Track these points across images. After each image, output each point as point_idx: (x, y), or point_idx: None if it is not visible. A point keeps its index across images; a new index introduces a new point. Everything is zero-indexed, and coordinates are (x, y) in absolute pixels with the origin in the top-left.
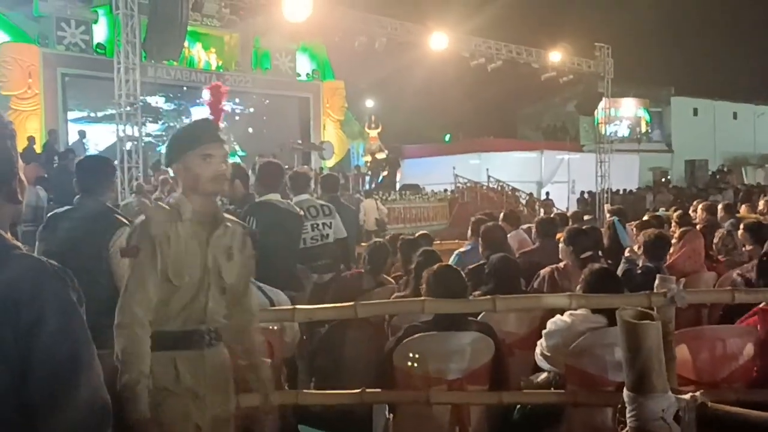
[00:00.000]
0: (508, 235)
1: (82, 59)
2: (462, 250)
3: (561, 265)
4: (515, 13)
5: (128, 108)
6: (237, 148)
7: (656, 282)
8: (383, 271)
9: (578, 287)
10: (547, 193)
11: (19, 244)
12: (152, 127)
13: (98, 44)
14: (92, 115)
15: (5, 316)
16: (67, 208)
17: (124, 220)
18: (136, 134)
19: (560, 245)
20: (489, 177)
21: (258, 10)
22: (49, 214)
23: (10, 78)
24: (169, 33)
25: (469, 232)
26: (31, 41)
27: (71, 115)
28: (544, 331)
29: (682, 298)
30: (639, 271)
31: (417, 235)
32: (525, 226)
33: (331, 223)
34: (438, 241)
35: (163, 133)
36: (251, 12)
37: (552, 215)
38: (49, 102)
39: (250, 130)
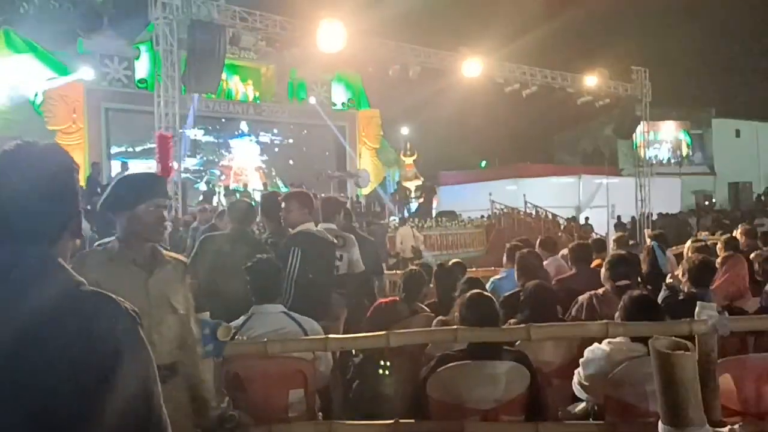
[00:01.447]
0: (545, 262)
1: (124, 94)
2: (497, 277)
3: (600, 291)
4: (549, 38)
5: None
6: (279, 183)
7: (697, 309)
8: (418, 299)
9: (617, 315)
10: (586, 218)
11: (84, 280)
12: (191, 162)
13: (140, 79)
14: (130, 150)
15: (82, 352)
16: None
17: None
18: (175, 166)
19: (601, 271)
20: (526, 203)
21: (293, 43)
22: (95, 244)
23: (56, 114)
24: (207, 66)
25: (505, 258)
26: (77, 78)
27: (113, 149)
28: (581, 360)
29: (724, 326)
30: (681, 298)
31: (451, 263)
32: (562, 252)
33: (341, 255)
34: (474, 269)
35: (202, 168)
36: (286, 44)
37: (589, 240)
38: (92, 136)
39: (291, 162)
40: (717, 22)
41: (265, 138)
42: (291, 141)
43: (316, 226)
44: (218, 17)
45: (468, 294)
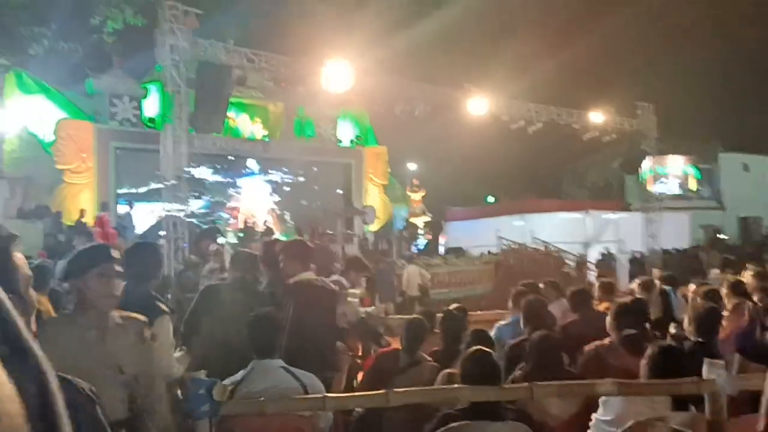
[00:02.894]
0: (551, 305)
1: (132, 133)
2: (503, 323)
3: (606, 341)
4: (554, 75)
5: (174, 181)
6: (289, 221)
7: (704, 367)
8: (420, 348)
9: (642, 363)
10: (607, 253)
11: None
12: (196, 204)
13: (149, 118)
14: (135, 191)
15: None
16: None
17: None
18: (182, 206)
19: (607, 319)
20: (534, 238)
21: (300, 82)
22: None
23: (65, 153)
24: (214, 106)
25: (510, 303)
26: (85, 117)
27: (121, 187)
28: (601, 400)
29: (732, 387)
30: (687, 349)
31: (453, 307)
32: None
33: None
34: (479, 312)
35: (208, 211)
36: (293, 83)
37: (607, 281)
38: (101, 175)
39: (304, 202)
40: (723, 57)
41: (275, 176)
42: (302, 179)
43: (318, 274)
44: (225, 58)
45: (471, 350)
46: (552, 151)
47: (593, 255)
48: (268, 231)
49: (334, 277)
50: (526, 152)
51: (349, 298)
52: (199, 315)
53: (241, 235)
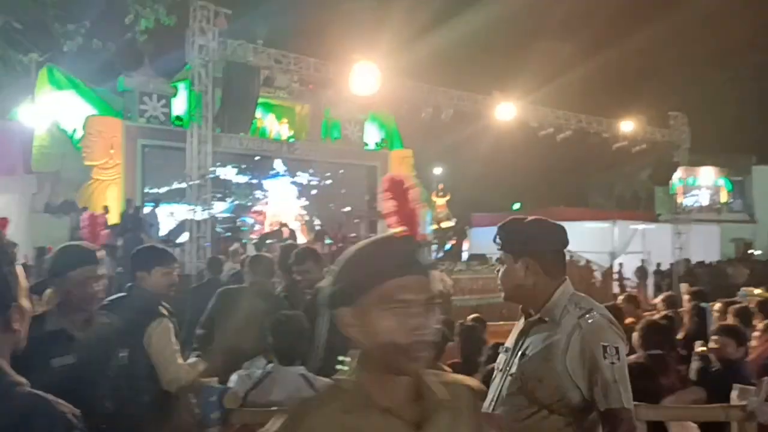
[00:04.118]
0: None
1: (160, 131)
2: None
3: (631, 359)
4: (584, 82)
5: (199, 180)
6: (318, 227)
7: (733, 393)
8: (439, 359)
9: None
10: (620, 265)
11: (23, 380)
12: (220, 206)
13: (177, 116)
14: (159, 191)
15: None
16: (120, 296)
17: (164, 311)
18: (206, 207)
19: (633, 336)
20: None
21: (327, 84)
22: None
23: (94, 149)
24: (241, 107)
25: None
26: (115, 114)
27: (148, 183)
28: None
29: (764, 413)
30: (715, 370)
31: (471, 318)
32: None
33: None
34: (500, 322)
35: (232, 215)
36: (321, 85)
37: (632, 294)
38: (128, 172)
39: (332, 206)
40: (759, 68)
41: (301, 178)
42: (329, 182)
43: None
44: (253, 59)
45: (489, 368)
46: (580, 160)
47: (626, 266)
48: (292, 235)
49: None
50: (554, 160)
51: None
52: (214, 319)
53: (268, 241)
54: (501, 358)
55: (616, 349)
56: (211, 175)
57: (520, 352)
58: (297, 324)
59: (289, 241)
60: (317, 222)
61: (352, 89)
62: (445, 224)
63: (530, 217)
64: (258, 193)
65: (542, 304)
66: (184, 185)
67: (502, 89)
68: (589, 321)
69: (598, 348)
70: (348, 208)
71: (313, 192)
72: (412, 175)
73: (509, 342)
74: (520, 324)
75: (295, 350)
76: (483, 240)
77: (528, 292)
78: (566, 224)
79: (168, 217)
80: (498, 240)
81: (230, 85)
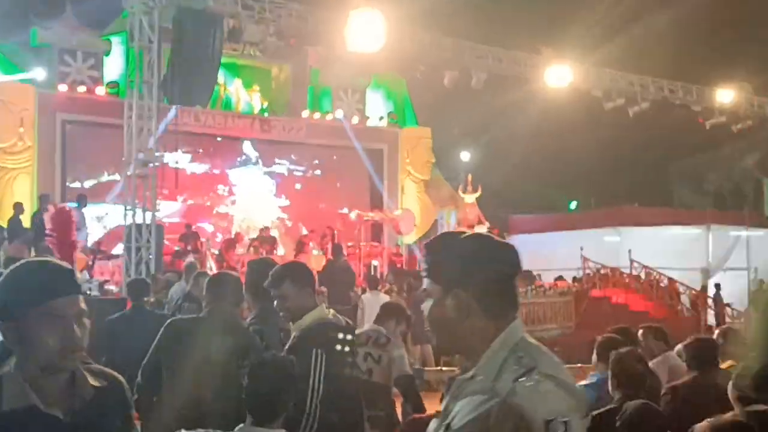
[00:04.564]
0: (655, 360)
1: (88, 102)
2: (583, 383)
3: (729, 416)
4: (667, 36)
5: (139, 169)
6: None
7: None
8: None
9: None
10: (717, 286)
11: None
12: (168, 208)
13: (110, 82)
14: (86, 184)
15: None
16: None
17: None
18: (149, 205)
19: (729, 386)
20: (632, 261)
21: (315, 38)
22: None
23: None
24: (198, 69)
25: (595, 357)
26: (26, 79)
27: (71, 174)
28: None
29: None
30: None
31: None
32: (679, 346)
33: (380, 356)
34: None
35: (183, 220)
36: (306, 40)
37: (732, 327)
38: (44, 157)
39: (323, 206)
40: None
41: (280, 168)
42: (318, 173)
43: (332, 301)
44: (214, 4)
45: None
46: (661, 142)
47: (725, 287)
48: (266, 241)
49: (369, 326)
50: (625, 142)
51: (395, 352)
52: (160, 364)
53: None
54: (431, 426)
55: (565, 424)
56: (157, 163)
57: (445, 423)
58: (279, 369)
59: (262, 252)
60: (303, 228)
61: (348, 45)
62: (475, 229)
63: (468, 233)
64: (221, 189)
65: (479, 354)
66: (119, 177)
67: (554, 45)
68: (527, 385)
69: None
70: (345, 209)
71: (297, 186)
72: (429, 162)
73: (443, 403)
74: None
75: (274, 405)
76: (527, 251)
77: (461, 336)
78: (641, 229)
79: (97, 220)
80: (423, 265)
81: (182, 40)
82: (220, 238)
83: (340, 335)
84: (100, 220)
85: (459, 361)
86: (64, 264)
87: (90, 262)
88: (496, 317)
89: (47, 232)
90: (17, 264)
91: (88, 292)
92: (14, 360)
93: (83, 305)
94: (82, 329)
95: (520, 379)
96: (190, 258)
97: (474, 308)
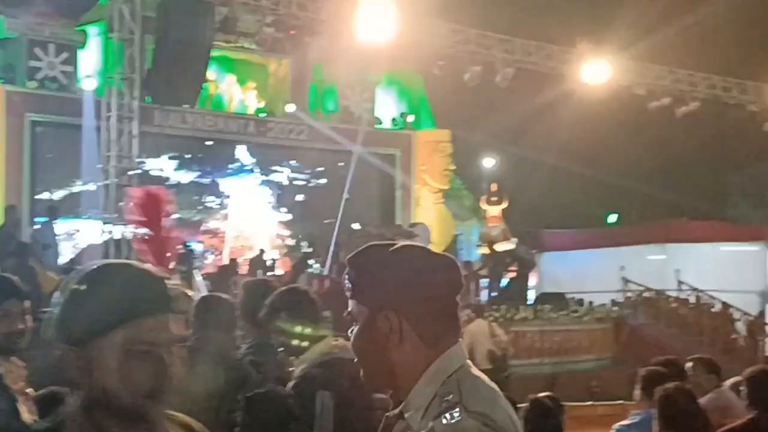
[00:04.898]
0: (707, 397)
1: (60, 101)
2: (625, 423)
3: None
4: (720, 27)
5: (118, 178)
6: (315, 267)
7: None
8: None
9: None
10: None
11: None
12: None
13: (85, 78)
14: (57, 194)
15: None
16: None
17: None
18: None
19: None
20: (680, 283)
21: (317, 29)
22: None
23: None
24: (186, 64)
25: (637, 393)
26: None
27: (41, 182)
28: None
29: None
30: None
31: (545, 396)
32: (733, 380)
33: None
34: (588, 402)
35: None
36: (308, 31)
37: None
38: (10, 164)
39: (329, 221)
40: None
41: (280, 176)
42: (323, 181)
43: (337, 329)
44: None
45: None
46: (712, 146)
47: None
48: (260, 263)
49: None
50: (671, 147)
51: None
52: None
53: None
54: None
55: None
56: (138, 170)
57: None
58: (278, 405)
59: (259, 272)
60: (306, 248)
61: (356, 36)
62: (500, 246)
63: (399, 245)
64: (211, 201)
65: (410, 388)
66: (94, 186)
67: (591, 37)
68: (444, 423)
69: None
70: (357, 225)
71: (299, 198)
72: (449, 169)
73: None
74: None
75: None
76: (560, 271)
77: (391, 367)
78: (690, 246)
79: (71, 236)
80: (347, 284)
81: (168, 31)
82: (210, 258)
83: (349, 372)
84: (71, 237)
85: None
86: (155, 270)
87: (62, 282)
88: (433, 344)
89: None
90: (89, 270)
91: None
92: (79, 398)
93: (179, 329)
94: (174, 364)
95: (440, 417)
96: (176, 278)
97: (407, 333)
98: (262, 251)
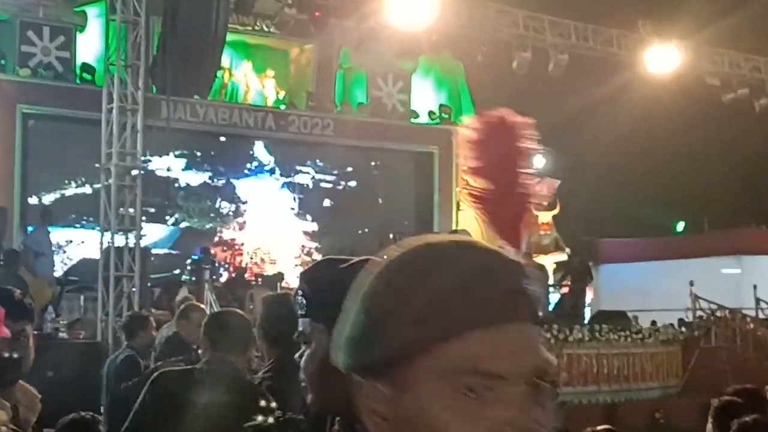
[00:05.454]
0: None
1: (56, 91)
2: None
3: None
4: None
5: (120, 177)
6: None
7: None
8: None
9: None
10: None
11: None
12: (156, 230)
13: (84, 66)
14: (52, 196)
15: None
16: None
17: None
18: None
19: None
20: (758, 300)
21: (345, 10)
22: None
23: None
24: (197, 50)
25: (710, 427)
26: None
27: (33, 183)
28: None
29: None
30: None
31: (599, 430)
32: None
33: None
34: None
35: (173, 250)
36: (334, 12)
37: None
38: (1, 160)
39: (365, 231)
40: None
41: (303, 178)
42: (353, 184)
43: None
44: None
45: None
46: None
47: None
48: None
49: None
50: (749, 145)
51: None
52: (147, 427)
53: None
54: None
55: None
56: (143, 171)
57: None
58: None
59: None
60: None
61: (389, 17)
62: (551, 257)
63: (357, 258)
64: (225, 206)
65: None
66: (89, 189)
67: (657, 19)
68: None
69: None
70: (392, 235)
71: (326, 203)
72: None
73: None
74: None
75: None
76: (621, 285)
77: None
78: None
79: (58, 248)
80: (299, 299)
81: (177, 13)
82: (223, 272)
83: None
84: (62, 248)
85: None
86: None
87: (56, 294)
88: None
89: None
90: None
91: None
92: None
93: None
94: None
95: None
96: (184, 291)
97: None
98: (281, 275)
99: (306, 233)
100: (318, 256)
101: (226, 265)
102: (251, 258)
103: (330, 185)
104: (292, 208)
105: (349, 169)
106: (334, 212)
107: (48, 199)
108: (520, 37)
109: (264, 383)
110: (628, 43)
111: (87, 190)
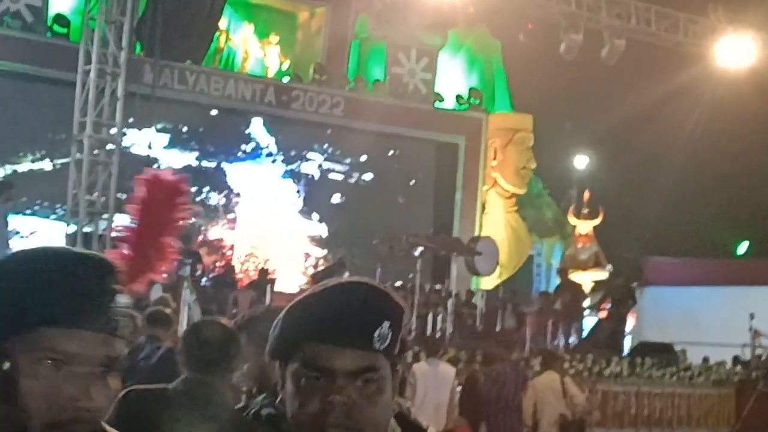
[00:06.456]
0: None
1: (24, 46)
2: None
3: None
4: None
5: (96, 152)
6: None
7: None
8: None
9: None
10: None
11: None
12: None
13: (58, 16)
14: (14, 168)
15: None
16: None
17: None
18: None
19: None
20: None
21: None
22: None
23: None
24: (191, 8)
25: None
26: None
27: None
28: None
29: None
30: None
31: None
32: None
33: None
34: None
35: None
36: None
37: None
38: None
39: (376, 242)
40: None
41: (309, 167)
42: (368, 177)
43: None
44: None
45: None
46: None
47: None
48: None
49: None
50: None
51: None
52: None
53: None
54: None
55: None
56: (122, 146)
57: None
58: None
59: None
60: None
61: None
62: (590, 274)
63: (327, 284)
64: (213, 197)
65: None
66: (48, 165)
67: (731, 7)
68: None
69: None
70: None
71: (336, 199)
72: (528, 168)
73: None
74: None
75: None
76: (668, 312)
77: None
78: None
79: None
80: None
81: None
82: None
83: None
84: (15, 234)
85: None
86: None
87: None
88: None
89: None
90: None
91: None
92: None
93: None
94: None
95: None
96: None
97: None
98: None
99: (312, 239)
100: (325, 260)
101: (210, 270)
102: (242, 266)
103: (341, 176)
104: (295, 204)
105: (364, 158)
106: (345, 211)
107: (19, 167)
108: (572, 15)
109: (263, 411)
110: (696, 30)
111: (46, 165)
